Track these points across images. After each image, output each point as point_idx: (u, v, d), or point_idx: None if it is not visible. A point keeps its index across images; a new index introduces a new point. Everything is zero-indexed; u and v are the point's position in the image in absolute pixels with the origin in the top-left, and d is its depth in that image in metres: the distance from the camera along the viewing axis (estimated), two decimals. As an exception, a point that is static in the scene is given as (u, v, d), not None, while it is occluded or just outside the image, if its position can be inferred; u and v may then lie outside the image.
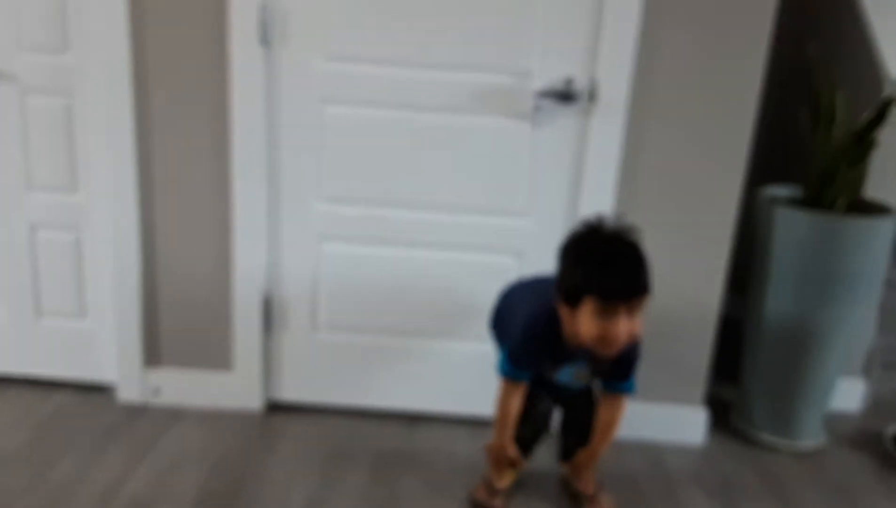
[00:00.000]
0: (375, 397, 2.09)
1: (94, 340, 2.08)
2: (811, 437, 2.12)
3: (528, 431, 1.73)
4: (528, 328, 1.58)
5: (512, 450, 1.68)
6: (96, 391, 2.11)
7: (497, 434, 1.67)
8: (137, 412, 2.03)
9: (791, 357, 2.04)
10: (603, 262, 1.43)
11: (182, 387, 2.06)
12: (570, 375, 1.63)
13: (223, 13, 1.80)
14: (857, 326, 2.06)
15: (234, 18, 1.79)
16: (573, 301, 1.45)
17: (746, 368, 2.17)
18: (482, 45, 1.83)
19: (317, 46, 1.84)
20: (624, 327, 1.42)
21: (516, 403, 1.62)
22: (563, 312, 1.50)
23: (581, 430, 1.74)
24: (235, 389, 2.06)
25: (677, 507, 1.80)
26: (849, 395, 2.31)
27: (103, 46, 1.82)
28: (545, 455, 1.94)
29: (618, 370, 1.59)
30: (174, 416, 2.02)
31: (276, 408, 2.09)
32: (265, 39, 1.82)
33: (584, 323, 1.44)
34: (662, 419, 2.06)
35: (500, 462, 1.71)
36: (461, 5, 1.81)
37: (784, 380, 2.06)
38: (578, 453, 1.73)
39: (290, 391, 2.09)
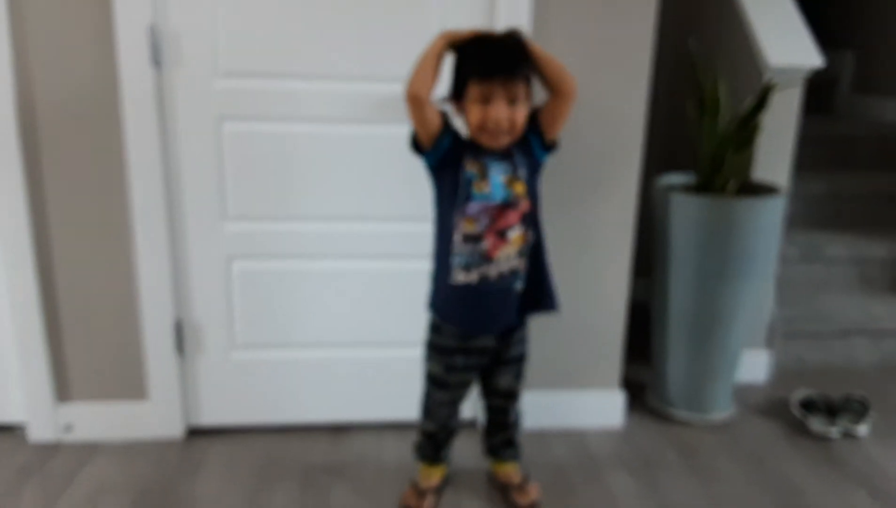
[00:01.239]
0: (299, 411, 2.08)
1: (-2, 380, 2.00)
2: (722, 409, 2.23)
3: (438, 427, 1.75)
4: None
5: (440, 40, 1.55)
6: (6, 431, 2.02)
7: (432, 45, 1.54)
8: (50, 451, 1.95)
9: (697, 335, 2.13)
10: (482, 46, 1.51)
11: (96, 421, 2.00)
12: (500, 187, 1.55)
13: (111, 37, 1.75)
14: (756, 300, 2.18)
15: (122, 42, 1.75)
16: (459, 93, 1.53)
17: (656, 348, 2.26)
18: (380, 55, 1.85)
19: (210, 64, 1.81)
20: (504, 111, 1.48)
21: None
22: (455, 109, 1.57)
23: (504, 429, 1.79)
24: (153, 418, 2.01)
25: (602, 488, 1.86)
26: (754, 366, 2.44)
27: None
28: (471, 451, 1.98)
29: (539, 125, 1.59)
30: (90, 451, 1.96)
31: (197, 433, 2.05)
32: (156, 61, 1.78)
33: (469, 113, 1.52)
34: (582, 404, 2.12)
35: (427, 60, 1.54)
36: (354, 18, 1.82)
37: (692, 357, 2.16)
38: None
39: (211, 415, 2.05)
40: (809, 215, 2.92)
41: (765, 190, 2.15)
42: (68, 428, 1.99)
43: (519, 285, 1.62)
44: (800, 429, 2.17)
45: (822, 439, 2.12)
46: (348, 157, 1.91)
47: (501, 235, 1.57)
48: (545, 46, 1.82)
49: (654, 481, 1.89)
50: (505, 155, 1.57)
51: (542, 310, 1.67)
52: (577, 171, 1.94)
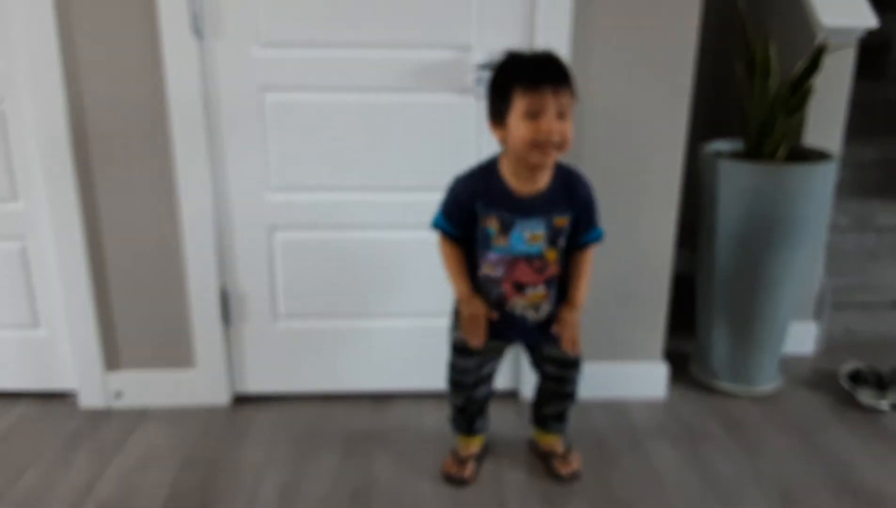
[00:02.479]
0: (341, 380, 2.10)
1: (50, 349, 2.05)
2: (768, 382, 2.19)
3: (463, 400, 1.75)
4: (458, 176, 1.59)
5: (475, 301, 1.61)
6: (58, 398, 2.08)
7: (455, 286, 1.62)
8: (101, 417, 2.01)
9: (743, 306, 2.09)
10: (527, 61, 1.47)
11: (145, 388, 2.04)
12: (523, 240, 1.54)
13: (153, 7, 1.76)
14: (804, 270, 2.13)
15: (164, 11, 1.75)
16: (503, 110, 1.46)
17: (701, 319, 2.23)
18: (420, 22, 1.82)
19: (251, 34, 1.81)
20: (554, 124, 1.42)
21: (454, 253, 1.60)
22: (499, 134, 1.51)
23: (558, 400, 1.77)
24: (200, 385, 2.05)
25: (644, 459, 1.85)
26: (802, 338, 2.39)
27: (31, 47, 1.77)
28: (513, 419, 1.98)
29: (583, 220, 1.58)
30: (139, 417, 2.01)
31: (242, 400, 2.09)
32: (198, 30, 1.78)
33: (515, 130, 1.44)
34: (625, 376, 2.10)
35: (472, 320, 1.62)
36: (394, -17, 1.80)
37: (738, 328, 2.12)
38: (559, 313, 1.65)
39: (256, 383, 2.09)
40: (860, 183, 2.83)
41: (815, 156, 2.09)
42: (118, 395, 2.04)
43: (533, 319, 1.63)
44: (848, 402, 2.13)
45: (872, 411, 2.07)
46: (390, 126, 1.90)
47: (519, 288, 1.58)
48: (590, 18, 1.79)
49: (696, 452, 1.87)
50: (538, 210, 1.53)
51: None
52: (622, 139, 1.90)
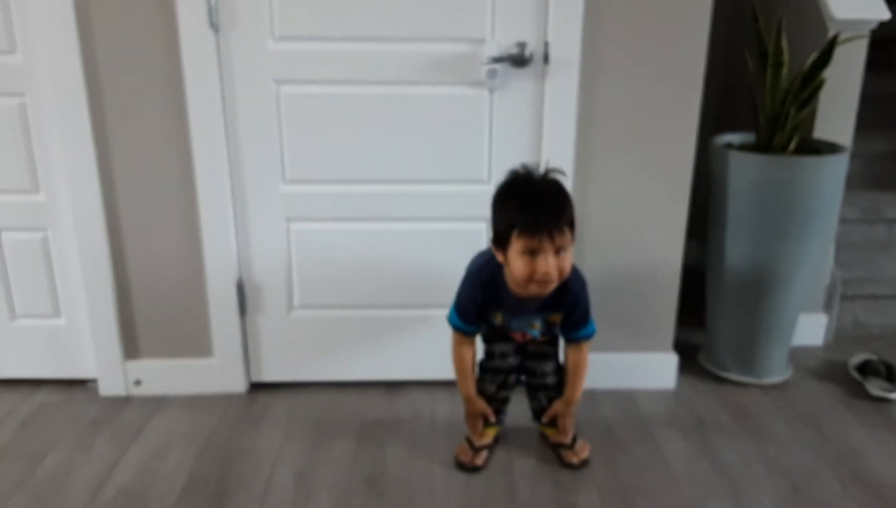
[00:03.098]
0: (354, 369, 2.13)
1: (71, 338, 2.10)
2: (778, 373, 2.20)
3: (493, 386, 1.79)
4: (471, 276, 1.67)
5: (478, 402, 1.76)
6: (78, 386, 2.13)
7: (460, 388, 1.75)
8: (121, 404, 2.06)
9: (753, 297, 2.11)
10: (525, 197, 1.50)
11: (163, 376, 2.08)
12: (521, 327, 1.69)
13: (170, 1, 1.78)
14: (815, 262, 2.14)
15: (181, 5, 1.78)
16: (503, 242, 1.52)
17: (711, 311, 2.24)
18: (433, 15, 1.84)
19: (266, 27, 1.83)
20: (552, 263, 1.48)
21: (467, 354, 1.71)
22: (500, 258, 1.57)
23: (546, 390, 1.81)
24: (217, 374, 2.09)
25: (653, 447, 1.87)
26: (812, 329, 2.41)
27: (51, 43, 1.80)
28: (525, 409, 2.00)
29: (573, 319, 1.67)
30: (158, 405, 2.05)
31: (259, 388, 2.13)
32: (214, 24, 1.81)
33: (514, 263, 1.51)
34: (634, 366, 2.13)
35: (473, 416, 1.78)
36: (408, -23, 1.82)
37: (748, 320, 2.14)
38: (554, 404, 1.78)
39: (272, 371, 2.13)
40: (870, 175, 2.84)
41: (826, 149, 2.10)
42: (137, 383, 2.08)
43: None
44: (858, 392, 2.14)
45: (881, 402, 2.09)
46: (403, 118, 1.92)
47: (524, 335, 1.73)
48: (603, 7, 1.80)
49: (706, 442, 1.90)
50: (536, 310, 1.65)
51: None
52: (633, 131, 1.92)
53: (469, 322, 1.69)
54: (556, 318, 1.67)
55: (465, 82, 1.89)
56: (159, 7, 1.79)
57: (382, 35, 1.85)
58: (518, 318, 1.68)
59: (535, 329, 1.69)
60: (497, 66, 1.84)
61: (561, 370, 1.81)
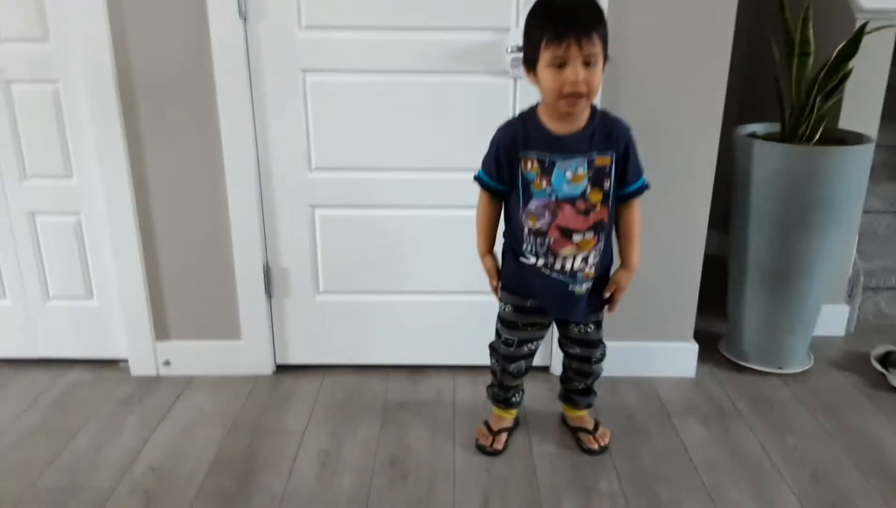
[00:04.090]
0: (378, 352, 2.17)
1: (102, 318, 2.15)
2: (799, 363, 2.21)
3: (510, 380, 1.80)
4: (498, 130, 1.60)
5: (487, 260, 1.71)
6: (110, 366, 2.19)
7: (477, 244, 1.71)
8: (150, 383, 2.11)
9: (776, 287, 2.11)
10: (556, 7, 1.45)
11: (192, 357, 2.14)
12: (565, 180, 1.53)
13: (201, -10, 1.82)
14: (838, 253, 2.13)
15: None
16: (534, 56, 1.47)
17: (733, 301, 2.25)
18: (458, 4, 1.85)
19: (293, 17, 1.86)
20: (581, 73, 1.42)
21: (488, 211, 1.65)
22: (530, 79, 1.52)
23: (581, 376, 1.82)
24: (244, 356, 2.13)
25: (673, 436, 1.88)
26: (834, 320, 2.40)
27: (83, 31, 1.84)
28: (544, 394, 2.03)
29: (627, 167, 1.57)
30: (187, 385, 2.10)
31: (285, 370, 2.17)
32: (243, 13, 1.84)
33: (543, 78, 1.46)
34: (655, 355, 2.14)
35: (488, 274, 1.73)
36: (434, -34, 1.83)
37: (770, 310, 2.14)
38: (614, 277, 1.69)
39: (298, 354, 2.17)
40: (894, 167, 2.81)
41: (852, 139, 2.08)
42: (167, 363, 2.14)
43: (581, 288, 1.63)
44: (880, 383, 2.14)
45: (903, 393, 2.09)
46: (428, 107, 1.94)
47: (566, 234, 1.56)
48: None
49: (726, 430, 1.91)
50: (578, 149, 1.53)
51: (597, 310, 1.73)
52: (658, 121, 1.92)
53: (491, 176, 1.60)
54: (604, 161, 1.54)
55: (490, 71, 1.90)
56: (190, -4, 1.82)
57: (407, 24, 1.87)
58: (560, 163, 1.52)
59: (581, 183, 1.53)
60: (521, 54, 1.85)
61: (600, 365, 1.81)
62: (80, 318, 2.16)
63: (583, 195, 1.54)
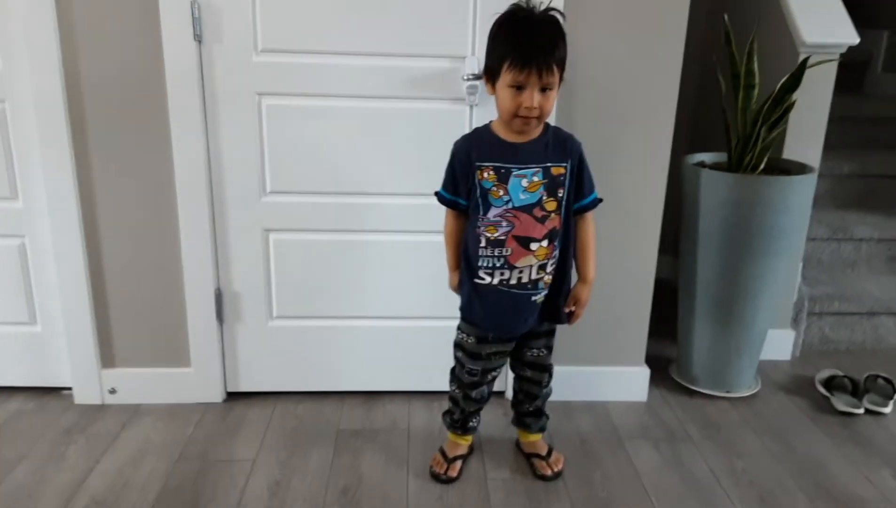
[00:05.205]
0: (332, 379, 2.15)
1: (46, 344, 2.08)
2: (747, 387, 2.25)
3: (472, 406, 1.81)
4: (453, 148, 1.64)
5: (453, 276, 1.75)
6: (53, 394, 2.11)
7: (447, 260, 1.75)
8: (95, 412, 2.05)
9: (723, 312, 2.16)
10: (520, 31, 1.49)
11: (139, 385, 2.08)
12: (521, 188, 1.57)
13: (154, 11, 1.79)
14: (783, 279, 2.20)
15: (165, 16, 1.79)
16: (494, 73, 1.52)
17: (682, 325, 2.29)
18: (415, 32, 1.87)
19: (249, 40, 1.85)
20: (536, 99, 1.48)
21: (450, 226, 1.70)
22: (489, 90, 1.56)
23: (531, 399, 1.83)
24: (194, 383, 2.08)
25: (625, 460, 1.90)
26: (780, 345, 2.46)
27: (31, 49, 1.80)
28: (499, 419, 2.03)
29: (580, 180, 1.63)
30: (133, 413, 2.04)
31: (235, 397, 2.13)
32: (198, 35, 1.82)
33: (501, 96, 1.52)
34: (607, 379, 2.16)
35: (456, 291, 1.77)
36: (389, -7, 1.85)
37: (718, 334, 2.19)
38: (573, 291, 1.72)
39: (249, 381, 2.13)
40: (838, 195, 2.91)
41: (795, 169, 2.16)
42: (113, 392, 2.07)
43: (540, 297, 1.66)
44: (825, 407, 2.19)
45: (847, 416, 2.14)
46: (384, 132, 1.94)
47: (524, 243, 1.59)
48: (578, 16, 1.83)
49: (676, 453, 1.93)
50: (533, 157, 1.57)
51: (555, 322, 1.74)
52: (608, 147, 1.96)
53: (447, 190, 1.65)
54: (560, 170, 1.58)
55: (446, 98, 1.92)
56: (143, 17, 1.80)
57: (365, 50, 1.87)
58: (515, 171, 1.56)
59: (537, 191, 1.57)
60: (477, 82, 1.87)
61: (548, 388, 1.84)
62: (23, 344, 2.09)
63: (539, 203, 1.58)
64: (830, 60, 2.19)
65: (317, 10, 1.84)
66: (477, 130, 1.66)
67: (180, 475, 1.78)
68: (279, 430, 1.99)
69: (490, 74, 1.54)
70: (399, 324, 2.11)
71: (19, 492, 1.70)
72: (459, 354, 1.76)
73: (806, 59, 2.02)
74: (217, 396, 2.10)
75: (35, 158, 1.91)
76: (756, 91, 2.08)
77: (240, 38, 1.85)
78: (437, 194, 1.68)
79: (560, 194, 1.59)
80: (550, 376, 1.82)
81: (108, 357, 2.06)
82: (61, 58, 1.81)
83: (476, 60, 1.86)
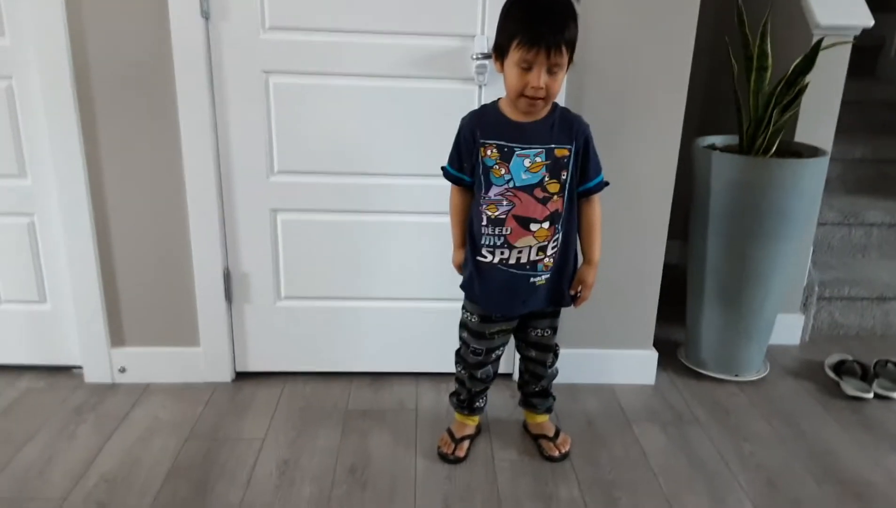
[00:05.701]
0: (340, 360, 2.15)
1: (56, 323, 2.09)
2: (755, 371, 2.25)
3: (478, 386, 1.81)
4: (461, 122, 1.64)
5: (457, 254, 1.74)
6: (63, 372, 2.13)
7: (452, 236, 1.75)
8: (105, 391, 2.06)
9: (732, 296, 2.15)
10: (532, 9, 1.49)
11: (149, 364, 2.09)
12: (523, 168, 1.56)
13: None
14: (793, 263, 2.18)
15: (173, -4, 1.78)
16: (504, 51, 1.50)
17: (691, 309, 2.28)
18: (424, 11, 1.85)
19: (257, 17, 1.84)
20: (544, 79, 1.48)
21: (456, 201, 1.70)
22: (497, 67, 1.55)
23: (537, 380, 1.83)
24: (203, 363, 2.09)
25: (633, 442, 1.90)
26: (789, 329, 2.46)
27: (39, 26, 1.80)
28: (507, 401, 2.03)
29: (586, 163, 1.61)
30: (143, 392, 2.05)
31: (244, 377, 2.14)
32: (205, 12, 1.81)
33: (508, 74, 1.51)
34: (615, 362, 2.16)
35: (458, 267, 1.77)
36: (400, -29, 1.83)
37: (727, 318, 2.18)
38: (578, 274, 1.71)
39: (258, 361, 2.14)
40: (849, 179, 2.89)
41: (807, 152, 2.14)
42: (122, 370, 2.08)
43: (540, 279, 1.65)
44: (834, 391, 2.19)
45: (856, 401, 2.13)
46: (392, 112, 1.93)
47: (523, 223, 1.58)
48: (589, 12, 1.81)
49: (684, 436, 1.93)
50: (537, 137, 1.56)
51: (559, 305, 1.73)
52: (617, 129, 1.94)
53: (453, 165, 1.66)
54: (564, 152, 1.57)
55: (455, 77, 1.90)
56: (151, -5, 1.79)
57: (373, 28, 1.86)
58: (518, 150, 1.56)
59: (539, 171, 1.56)
60: (486, 62, 1.86)
61: (554, 368, 1.84)
62: (33, 323, 2.10)
63: (540, 184, 1.57)
64: (844, 42, 2.16)
65: (326, -12, 1.82)
66: (484, 106, 1.65)
67: (190, 453, 1.79)
68: (287, 410, 1.99)
69: (499, 51, 1.53)
70: (407, 305, 2.11)
71: (30, 470, 1.71)
72: (464, 334, 1.77)
73: (819, 41, 2.00)
74: (226, 375, 2.11)
75: (43, 136, 1.91)
76: (769, 73, 2.06)
77: (247, 14, 1.83)
78: (443, 168, 1.68)
79: (563, 177, 1.58)
80: (556, 356, 1.82)
81: (117, 336, 2.07)
82: (68, 34, 1.81)
83: (485, 39, 1.85)
